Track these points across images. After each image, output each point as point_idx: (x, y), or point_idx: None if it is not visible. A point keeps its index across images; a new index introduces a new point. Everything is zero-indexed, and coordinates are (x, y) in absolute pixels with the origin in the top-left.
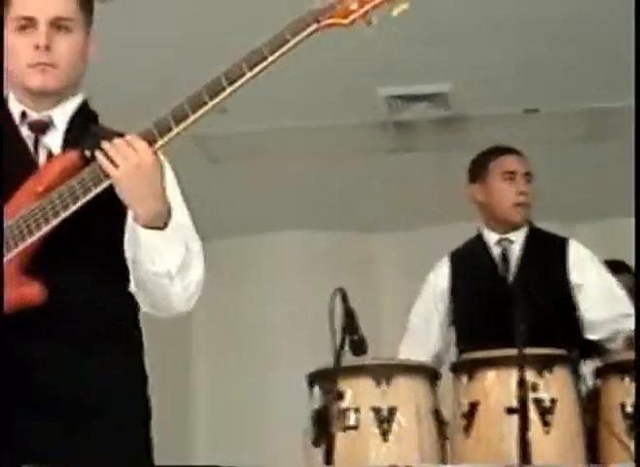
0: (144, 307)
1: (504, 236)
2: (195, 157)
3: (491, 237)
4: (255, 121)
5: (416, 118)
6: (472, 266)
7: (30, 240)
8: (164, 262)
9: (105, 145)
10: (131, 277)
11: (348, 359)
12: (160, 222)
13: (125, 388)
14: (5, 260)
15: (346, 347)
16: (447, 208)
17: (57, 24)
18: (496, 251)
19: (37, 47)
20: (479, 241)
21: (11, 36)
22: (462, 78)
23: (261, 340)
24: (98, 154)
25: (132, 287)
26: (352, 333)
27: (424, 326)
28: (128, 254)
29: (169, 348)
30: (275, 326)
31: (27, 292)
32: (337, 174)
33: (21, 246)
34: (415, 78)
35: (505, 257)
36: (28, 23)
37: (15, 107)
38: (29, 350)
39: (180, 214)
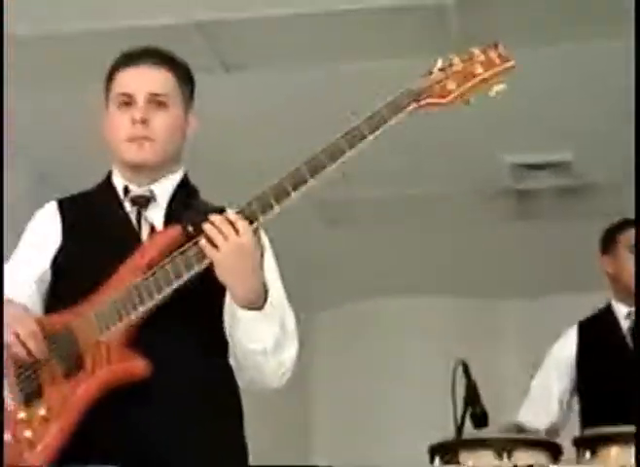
0: (240, 382)
1: (633, 309)
2: (315, 220)
3: (621, 310)
4: (377, 187)
5: (539, 186)
6: (600, 338)
7: (134, 316)
8: (261, 341)
9: (206, 226)
10: (230, 351)
11: (469, 432)
12: (257, 301)
13: (227, 459)
14: (110, 334)
15: (467, 419)
16: (572, 277)
17: (154, 100)
18: (625, 325)
19: (134, 121)
20: (608, 313)
21: (112, 112)
22: (584, 146)
23: (381, 408)
24: (203, 240)
25: (231, 361)
26: (474, 405)
27: (545, 395)
28: (228, 330)
29: (289, 415)
30: (396, 394)
31: (132, 366)
32: (459, 241)
33: (126, 321)
34: (538, 146)
35: (634, 331)
36: (127, 100)
37: (118, 182)
38: (132, 419)
39: (276, 291)
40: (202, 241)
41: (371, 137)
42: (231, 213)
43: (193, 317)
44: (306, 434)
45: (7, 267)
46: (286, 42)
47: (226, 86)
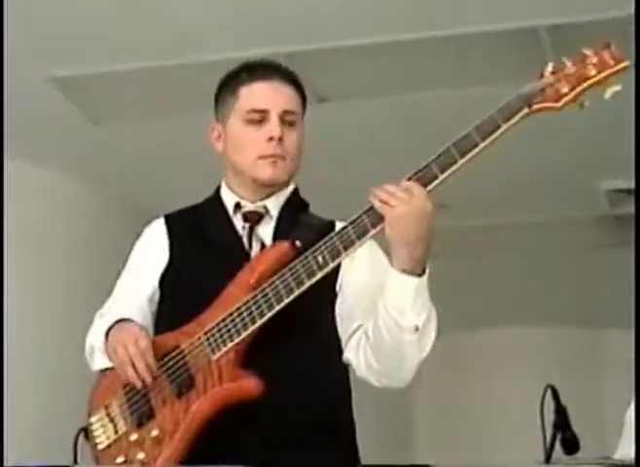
0: (363, 373)
1: None
2: None
3: None
4: (474, 216)
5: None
6: None
7: (245, 334)
8: (414, 314)
9: (376, 190)
10: (352, 341)
11: (559, 457)
12: (418, 269)
13: None
14: (221, 353)
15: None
16: None
17: (285, 118)
18: None
19: (271, 138)
20: None
21: (238, 128)
22: None
23: (475, 431)
24: (371, 197)
25: (348, 352)
26: (563, 430)
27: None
28: (349, 321)
29: (390, 432)
30: (490, 418)
31: (244, 385)
32: (557, 269)
33: (237, 340)
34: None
35: None
36: (260, 116)
37: (228, 197)
38: (243, 439)
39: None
40: (373, 200)
41: (482, 144)
42: (403, 181)
43: (303, 332)
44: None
45: (117, 288)
46: (379, 70)
47: (319, 116)
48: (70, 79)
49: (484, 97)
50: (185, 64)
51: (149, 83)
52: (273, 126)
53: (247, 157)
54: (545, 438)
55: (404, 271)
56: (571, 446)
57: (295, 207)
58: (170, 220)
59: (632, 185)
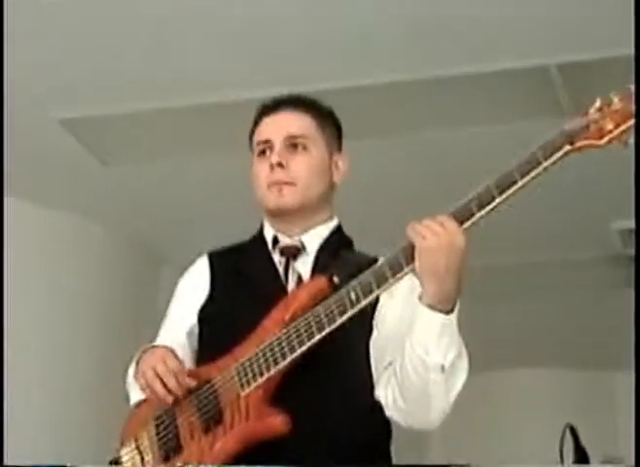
0: (391, 413)
1: None
2: None
3: None
4: (486, 256)
5: None
6: None
7: (275, 370)
8: (440, 352)
9: (415, 223)
10: (383, 378)
11: None
12: (447, 305)
13: None
14: (250, 389)
15: None
16: None
17: (292, 143)
18: None
19: (272, 166)
20: None
21: (253, 163)
22: None
23: None
24: (408, 228)
25: (379, 390)
26: None
27: None
28: (380, 357)
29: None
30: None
31: (271, 423)
32: (570, 309)
33: (266, 376)
34: None
35: None
36: (266, 146)
37: (268, 233)
38: None
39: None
40: (410, 231)
41: (521, 182)
42: (439, 215)
43: (335, 369)
44: None
45: (162, 326)
46: (388, 110)
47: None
48: (78, 120)
49: (496, 136)
50: (191, 105)
51: (156, 124)
52: (275, 153)
53: (260, 189)
54: None
55: (431, 307)
56: None
57: (336, 243)
58: (213, 256)
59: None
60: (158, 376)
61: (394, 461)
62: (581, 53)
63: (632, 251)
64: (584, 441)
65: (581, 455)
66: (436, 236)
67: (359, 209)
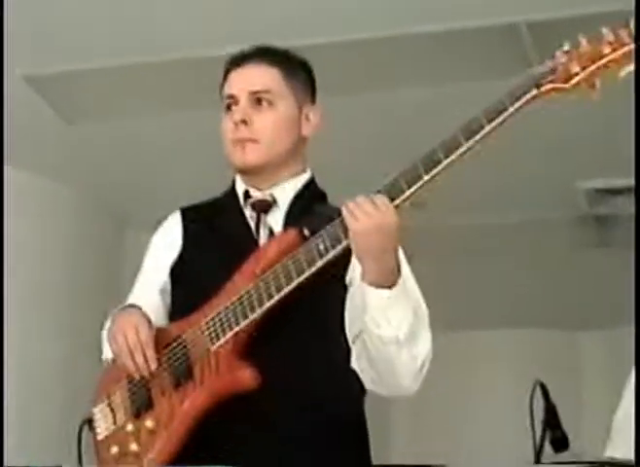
0: (367, 384)
1: None
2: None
3: None
4: (452, 216)
5: (617, 212)
6: None
7: (244, 324)
8: (392, 325)
9: (348, 202)
10: (353, 349)
11: (548, 454)
12: (389, 280)
13: None
14: (219, 344)
15: (547, 443)
16: None
17: (257, 98)
18: None
19: (235, 123)
20: None
21: (222, 118)
22: None
23: (461, 434)
24: (343, 208)
25: (353, 362)
26: (553, 429)
27: (628, 425)
28: (351, 326)
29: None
30: (477, 418)
31: (240, 377)
32: (536, 270)
33: (235, 329)
34: (616, 171)
35: None
36: (231, 102)
37: (239, 187)
38: (238, 434)
39: (408, 278)
40: (344, 212)
41: (488, 127)
42: (371, 193)
43: (308, 324)
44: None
45: (135, 283)
46: (356, 66)
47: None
48: (42, 77)
49: (465, 94)
50: (158, 62)
51: (122, 81)
52: (239, 110)
53: (226, 145)
54: (534, 436)
55: (374, 285)
56: (560, 444)
57: (308, 196)
58: (186, 213)
59: (610, 185)
60: (128, 348)
61: None
62: (550, 11)
63: (599, 211)
64: (553, 399)
65: (551, 413)
66: (367, 218)
67: (336, 163)
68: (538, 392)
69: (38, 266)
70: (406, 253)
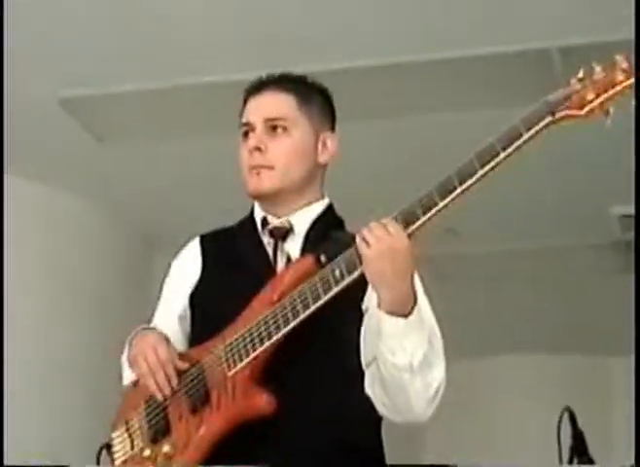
0: (380, 410)
1: None
2: (425, 277)
3: None
4: (485, 242)
5: None
6: None
7: (261, 349)
8: (406, 353)
9: (362, 229)
10: (367, 375)
11: None
12: (404, 308)
13: None
14: (237, 369)
15: None
16: None
17: (272, 125)
18: None
19: (250, 150)
20: None
21: (240, 145)
22: None
23: (487, 458)
24: (357, 235)
25: (367, 387)
26: (581, 454)
27: None
28: (366, 351)
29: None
30: (502, 446)
31: (256, 403)
32: (568, 296)
33: (252, 355)
34: None
35: None
36: (248, 129)
37: (257, 214)
38: (254, 458)
39: (424, 305)
40: (358, 240)
41: (503, 154)
42: (384, 219)
43: (324, 349)
44: None
45: (157, 308)
46: (385, 92)
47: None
48: (75, 99)
49: (495, 120)
50: (188, 85)
51: (153, 103)
52: (253, 137)
53: (242, 172)
54: (561, 462)
55: (389, 313)
56: None
57: (326, 223)
58: (205, 239)
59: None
60: (149, 368)
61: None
62: (582, 37)
63: (631, 236)
64: (581, 425)
65: (579, 439)
66: (378, 242)
67: (360, 190)
68: (566, 419)
69: (66, 284)
70: (436, 278)
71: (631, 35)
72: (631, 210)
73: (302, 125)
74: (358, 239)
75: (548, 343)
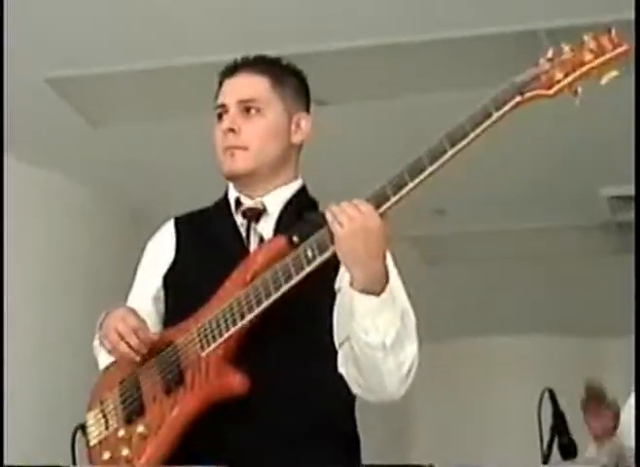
0: (354, 389)
1: None
2: (413, 258)
3: None
4: (473, 222)
5: None
6: None
7: (234, 329)
8: (379, 332)
9: (332, 206)
10: (340, 355)
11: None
12: (377, 287)
13: None
14: (210, 350)
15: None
16: None
17: (246, 107)
18: None
19: (224, 131)
20: None
21: (214, 126)
22: None
23: (473, 436)
24: (326, 211)
25: (340, 367)
26: (561, 435)
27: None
28: (339, 331)
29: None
30: (488, 424)
31: (229, 382)
32: (557, 276)
33: (225, 336)
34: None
35: None
36: (222, 111)
37: (231, 194)
38: (228, 438)
39: (395, 283)
40: (329, 218)
41: (472, 134)
42: (356, 199)
43: (296, 329)
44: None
45: (131, 290)
46: (379, 72)
47: (317, 119)
48: (67, 80)
49: (483, 99)
50: (182, 65)
51: (146, 84)
52: (227, 119)
53: (217, 153)
54: (542, 442)
55: (362, 291)
56: (568, 450)
57: (299, 204)
58: (179, 222)
59: (632, 192)
60: (120, 335)
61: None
62: (570, 18)
63: (621, 218)
64: (564, 407)
65: (559, 420)
66: (350, 222)
67: (341, 173)
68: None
69: (60, 264)
70: (424, 260)
71: (619, 16)
72: (620, 192)
73: (275, 106)
74: (329, 218)
75: (535, 324)
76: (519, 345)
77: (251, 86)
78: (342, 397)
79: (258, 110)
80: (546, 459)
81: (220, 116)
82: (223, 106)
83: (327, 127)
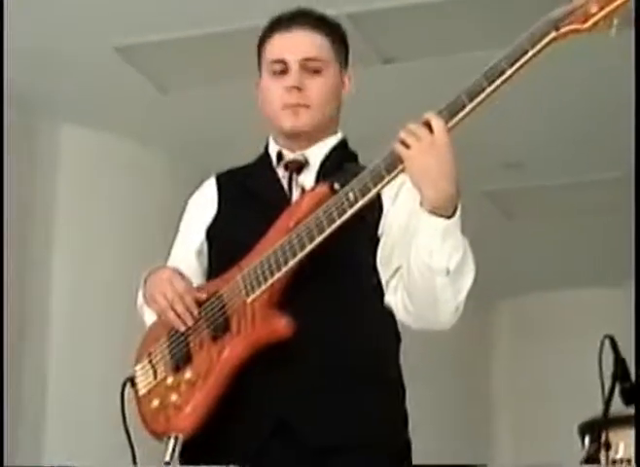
0: (401, 316)
1: None
2: (491, 213)
3: None
4: (550, 176)
5: None
6: None
7: (278, 275)
8: (444, 256)
9: (402, 130)
10: (390, 285)
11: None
12: (448, 209)
13: (377, 430)
14: (255, 295)
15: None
16: None
17: (308, 66)
18: None
19: (288, 88)
20: None
21: (265, 80)
22: None
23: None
24: (395, 142)
25: (388, 297)
26: (622, 381)
27: None
28: (387, 262)
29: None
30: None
31: (275, 325)
32: (605, 229)
33: (270, 281)
34: None
35: None
36: (281, 67)
37: (273, 149)
38: (270, 383)
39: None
40: (395, 144)
41: (509, 71)
42: (427, 113)
43: (339, 273)
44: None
45: (174, 245)
46: (444, 29)
47: (384, 77)
48: (135, 48)
49: None
50: (249, 29)
51: (212, 48)
52: (291, 76)
53: (273, 108)
54: (603, 388)
55: (432, 212)
56: (630, 396)
57: (340, 156)
58: (221, 178)
59: None
60: (168, 301)
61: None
62: None
63: None
64: (624, 354)
65: (620, 367)
66: (418, 142)
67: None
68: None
69: (131, 227)
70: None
71: None
72: None
73: (333, 65)
74: (398, 142)
75: (610, 276)
76: (576, 298)
77: (313, 43)
78: (387, 340)
79: (319, 69)
80: (607, 405)
81: (277, 72)
82: (283, 62)
83: (394, 85)
